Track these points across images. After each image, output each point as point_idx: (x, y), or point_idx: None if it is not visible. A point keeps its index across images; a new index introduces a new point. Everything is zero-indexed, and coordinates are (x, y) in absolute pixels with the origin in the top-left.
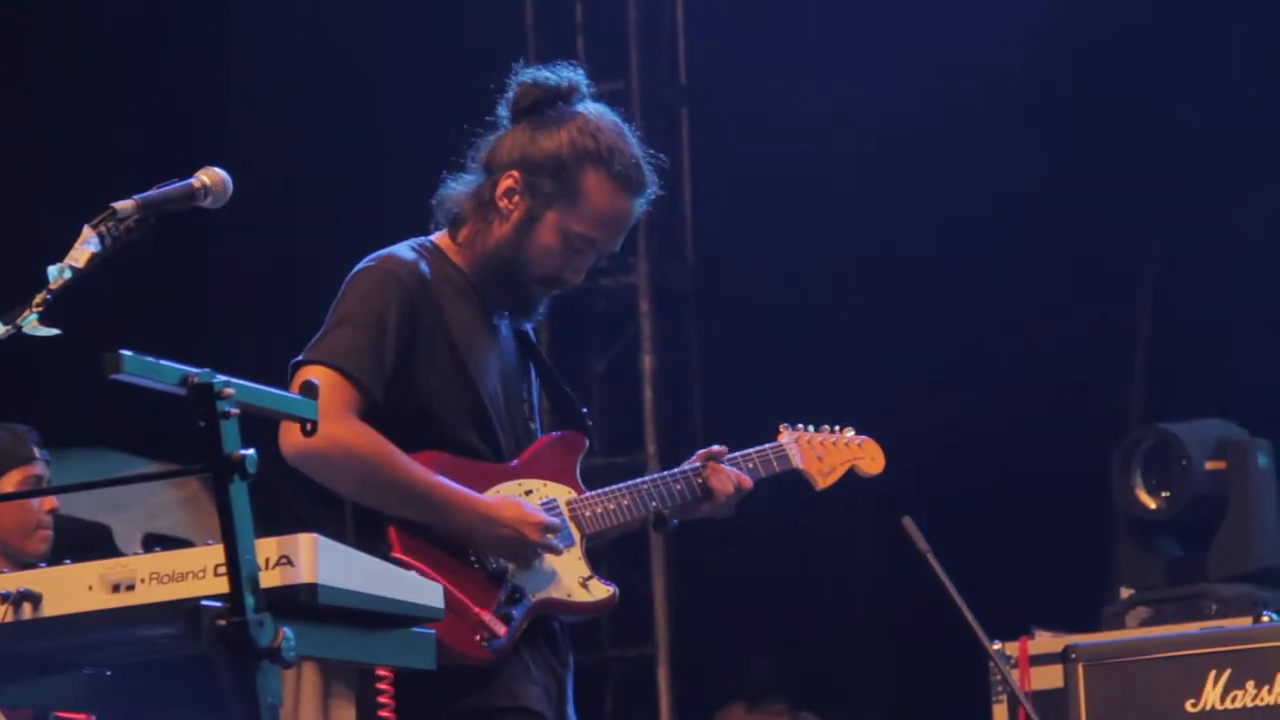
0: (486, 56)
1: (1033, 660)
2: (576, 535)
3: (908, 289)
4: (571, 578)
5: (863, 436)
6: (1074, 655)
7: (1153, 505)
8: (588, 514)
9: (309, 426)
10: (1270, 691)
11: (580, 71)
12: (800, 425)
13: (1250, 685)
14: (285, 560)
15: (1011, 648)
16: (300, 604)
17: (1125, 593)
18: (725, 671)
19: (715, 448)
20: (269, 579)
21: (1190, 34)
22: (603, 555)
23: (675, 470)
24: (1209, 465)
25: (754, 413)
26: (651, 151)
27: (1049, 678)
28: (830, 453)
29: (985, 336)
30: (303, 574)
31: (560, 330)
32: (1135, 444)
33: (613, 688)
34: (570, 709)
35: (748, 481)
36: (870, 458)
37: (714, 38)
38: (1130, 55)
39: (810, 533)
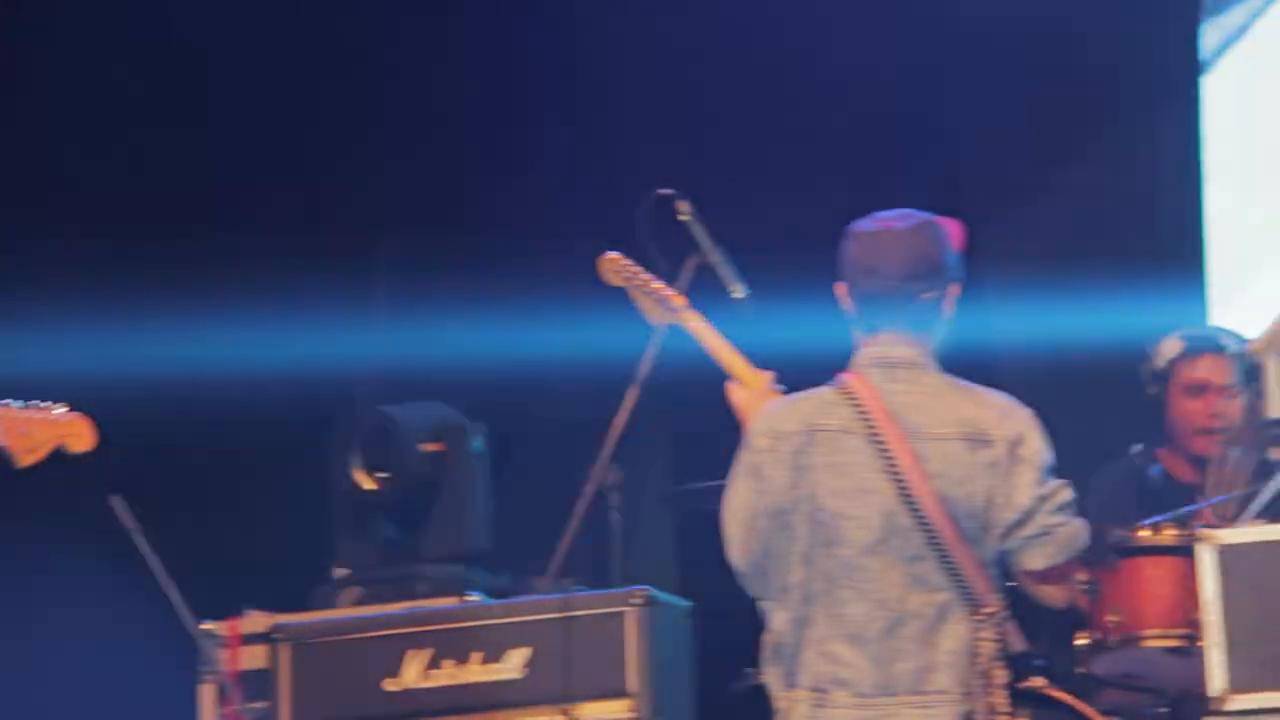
0: None
1: (243, 640)
2: None
3: (120, 265)
4: None
5: (71, 413)
6: (278, 634)
7: (370, 486)
8: None
9: None
10: (467, 669)
11: None
12: (5, 401)
13: (449, 664)
14: None
15: (223, 627)
16: None
17: (340, 573)
18: None
19: None
20: None
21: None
22: None
23: None
24: (425, 448)
25: None
26: None
27: (258, 657)
28: (36, 430)
29: (216, 317)
30: None
31: None
32: (355, 425)
33: None
34: None
35: None
36: (79, 435)
37: None
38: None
39: (13, 511)
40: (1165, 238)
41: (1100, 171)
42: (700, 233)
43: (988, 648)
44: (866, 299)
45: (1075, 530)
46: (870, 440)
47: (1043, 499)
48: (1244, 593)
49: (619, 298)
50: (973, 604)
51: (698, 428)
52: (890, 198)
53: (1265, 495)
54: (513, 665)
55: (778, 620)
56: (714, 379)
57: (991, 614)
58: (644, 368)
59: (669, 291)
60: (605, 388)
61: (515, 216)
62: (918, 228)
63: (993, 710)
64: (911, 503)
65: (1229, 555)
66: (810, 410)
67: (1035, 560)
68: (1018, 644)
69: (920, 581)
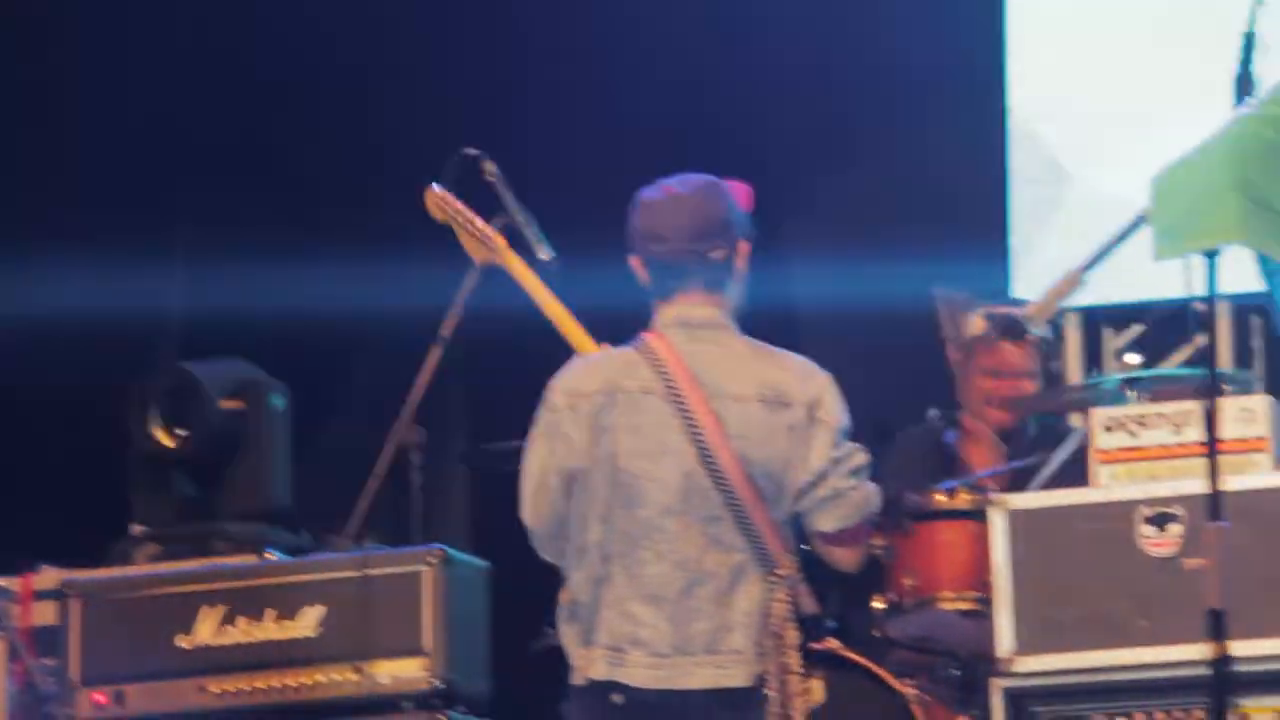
0: None
1: (35, 596)
2: None
3: None
4: None
5: None
6: (70, 590)
7: (169, 443)
8: None
9: None
10: (261, 627)
11: None
12: None
13: (243, 621)
14: None
15: (15, 583)
16: None
17: (137, 530)
18: None
19: None
20: None
21: None
22: None
23: None
24: (226, 404)
25: None
26: None
27: (49, 613)
28: None
29: (14, 265)
30: None
31: None
32: (154, 381)
33: None
34: None
35: None
36: None
37: None
38: None
39: None
40: (968, 205)
41: (905, 138)
42: (506, 194)
43: (781, 609)
44: (658, 265)
45: (867, 494)
46: (670, 401)
47: (836, 462)
48: (1033, 557)
49: (423, 259)
50: (767, 565)
51: (499, 387)
52: (697, 163)
53: (1056, 461)
54: (307, 623)
55: (575, 580)
56: (516, 339)
57: (785, 575)
58: (447, 327)
59: (491, 231)
60: (413, 346)
61: (326, 171)
62: (700, 190)
63: (785, 670)
64: (711, 463)
65: (1019, 520)
66: (610, 370)
67: (826, 522)
68: (810, 606)
69: (717, 542)
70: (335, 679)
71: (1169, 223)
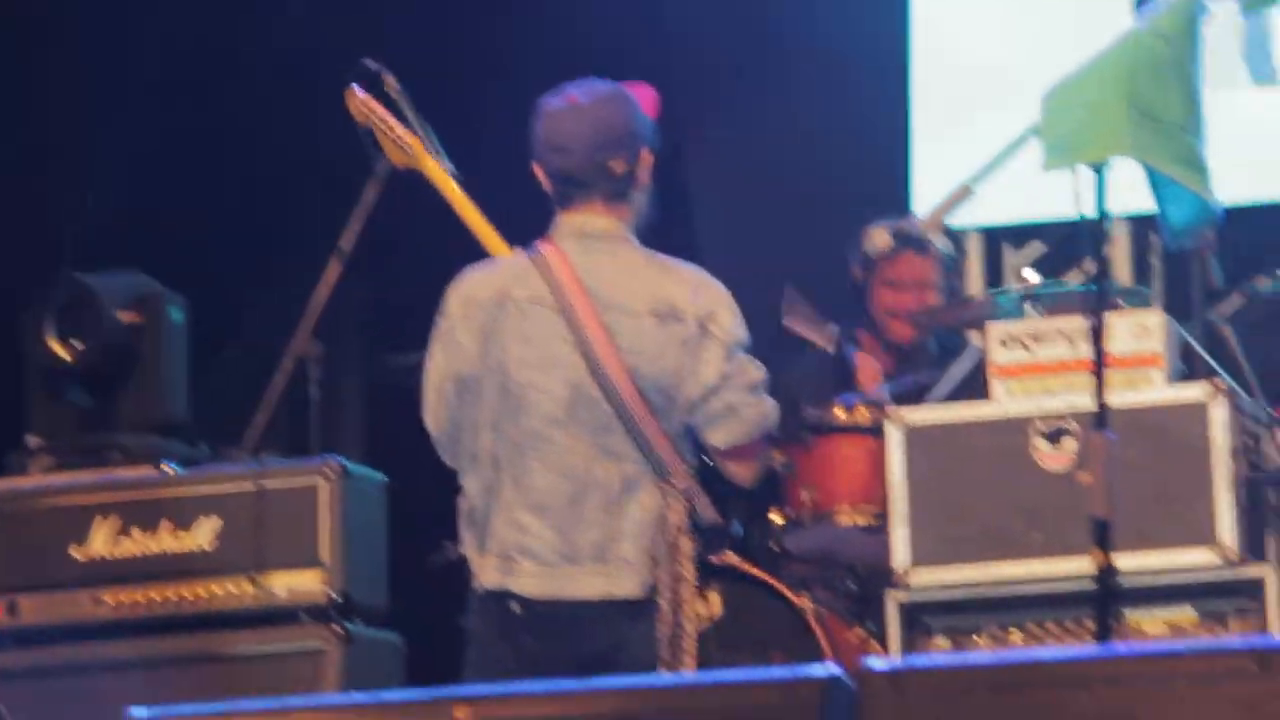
0: None
1: None
2: None
3: None
4: None
5: None
6: None
7: (65, 355)
8: None
9: None
10: (156, 538)
11: None
12: None
13: (138, 532)
14: None
15: None
16: None
17: (33, 441)
18: None
19: None
20: None
21: None
22: None
23: None
24: (122, 317)
25: None
26: None
27: None
28: None
29: None
30: None
31: None
32: (49, 293)
33: None
34: None
35: None
36: None
37: None
38: None
39: None
40: (870, 125)
41: (809, 56)
42: (407, 108)
43: (675, 519)
44: (559, 175)
45: (763, 411)
46: (560, 311)
47: (727, 377)
48: (929, 472)
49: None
50: (661, 476)
51: (401, 298)
52: (603, 70)
53: (953, 377)
54: (203, 535)
55: (470, 486)
56: (416, 252)
57: (679, 486)
58: (346, 239)
59: (409, 137)
60: (314, 257)
61: (231, 83)
62: (604, 99)
63: (678, 580)
64: (600, 375)
65: (916, 435)
66: (503, 278)
67: (718, 436)
68: (710, 517)
69: (608, 452)
70: (231, 591)
71: (1058, 136)
